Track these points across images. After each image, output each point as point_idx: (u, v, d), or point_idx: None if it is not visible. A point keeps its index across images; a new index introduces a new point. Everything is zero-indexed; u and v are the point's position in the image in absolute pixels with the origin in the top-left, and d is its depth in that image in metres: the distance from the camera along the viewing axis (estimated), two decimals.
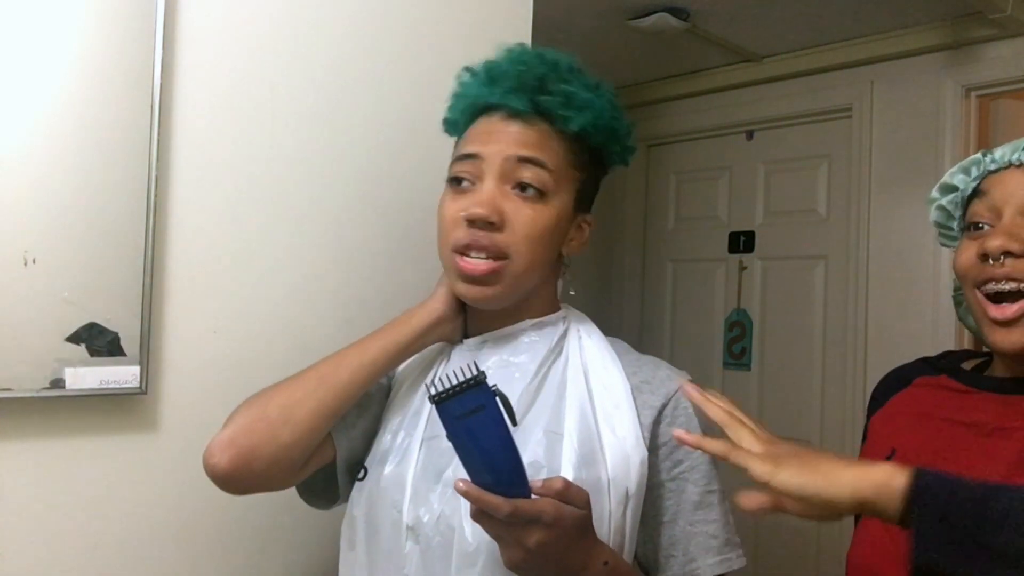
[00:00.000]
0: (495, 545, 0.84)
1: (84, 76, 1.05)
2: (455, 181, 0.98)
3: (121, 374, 1.07)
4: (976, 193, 0.94)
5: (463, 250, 0.95)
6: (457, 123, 1.05)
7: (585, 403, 0.96)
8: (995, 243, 0.87)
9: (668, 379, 0.98)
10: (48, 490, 1.06)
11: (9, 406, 1.01)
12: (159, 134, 1.09)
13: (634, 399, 0.96)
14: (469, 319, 1.04)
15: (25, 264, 1.00)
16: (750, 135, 3.00)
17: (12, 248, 1.00)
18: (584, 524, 0.82)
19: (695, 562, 0.94)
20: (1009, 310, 0.87)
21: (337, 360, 0.98)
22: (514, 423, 0.79)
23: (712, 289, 3.08)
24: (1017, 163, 0.90)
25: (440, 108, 1.06)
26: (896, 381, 1.05)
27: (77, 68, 1.05)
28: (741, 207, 3.01)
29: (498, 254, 0.94)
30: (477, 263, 0.94)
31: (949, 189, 0.99)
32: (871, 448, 1.01)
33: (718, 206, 3.09)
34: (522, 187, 0.95)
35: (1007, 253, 0.87)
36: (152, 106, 1.09)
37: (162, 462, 1.07)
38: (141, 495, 1.02)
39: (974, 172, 0.95)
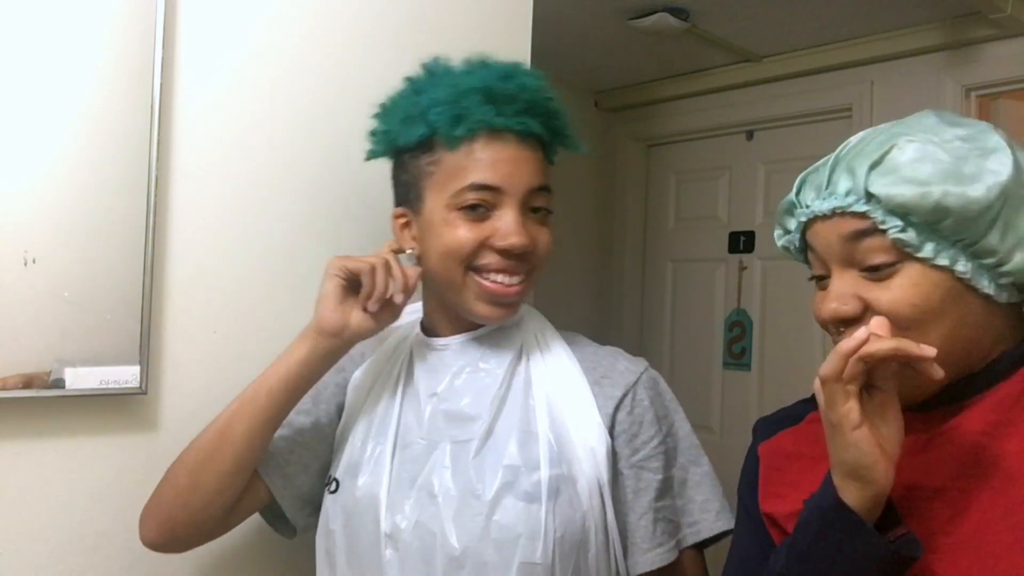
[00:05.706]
0: (481, 548, 0.88)
1: (84, 76, 1.05)
2: (472, 208, 0.94)
3: (121, 374, 1.07)
4: (805, 245, 0.87)
5: (491, 275, 0.95)
6: (428, 136, 0.97)
7: (552, 401, 0.97)
8: (827, 311, 0.80)
9: (627, 371, 1.00)
10: (48, 490, 1.05)
11: (9, 406, 1.01)
12: (159, 134, 1.09)
13: (595, 394, 0.98)
14: (434, 321, 1.05)
15: (25, 264, 1.00)
16: (750, 135, 2.99)
17: (12, 248, 1.00)
18: None
19: (659, 547, 0.95)
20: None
21: (233, 410, 0.97)
22: None
23: (712, 289, 3.08)
24: (821, 215, 0.83)
25: None
26: (786, 418, 0.99)
27: (77, 68, 1.04)
28: (741, 207, 3.01)
29: (526, 277, 0.97)
30: (513, 287, 0.96)
31: (783, 234, 0.92)
32: (772, 480, 0.92)
33: (718, 206, 3.08)
34: (534, 210, 0.98)
35: (841, 321, 0.79)
36: (152, 106, 1.09)
37: (162, 462, 1.06)
38: (141, 495, 1.02)
39: (793, 225, 0.88)
